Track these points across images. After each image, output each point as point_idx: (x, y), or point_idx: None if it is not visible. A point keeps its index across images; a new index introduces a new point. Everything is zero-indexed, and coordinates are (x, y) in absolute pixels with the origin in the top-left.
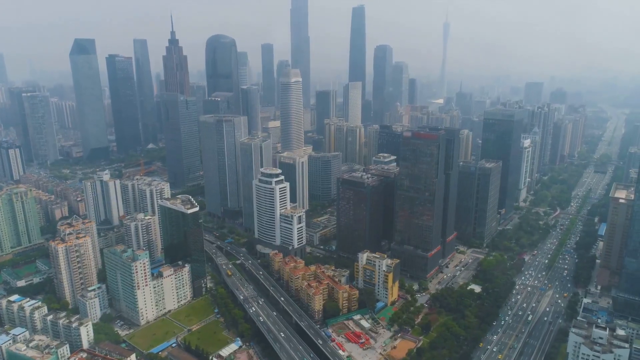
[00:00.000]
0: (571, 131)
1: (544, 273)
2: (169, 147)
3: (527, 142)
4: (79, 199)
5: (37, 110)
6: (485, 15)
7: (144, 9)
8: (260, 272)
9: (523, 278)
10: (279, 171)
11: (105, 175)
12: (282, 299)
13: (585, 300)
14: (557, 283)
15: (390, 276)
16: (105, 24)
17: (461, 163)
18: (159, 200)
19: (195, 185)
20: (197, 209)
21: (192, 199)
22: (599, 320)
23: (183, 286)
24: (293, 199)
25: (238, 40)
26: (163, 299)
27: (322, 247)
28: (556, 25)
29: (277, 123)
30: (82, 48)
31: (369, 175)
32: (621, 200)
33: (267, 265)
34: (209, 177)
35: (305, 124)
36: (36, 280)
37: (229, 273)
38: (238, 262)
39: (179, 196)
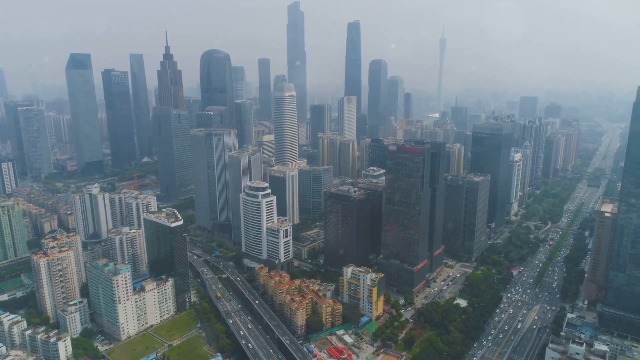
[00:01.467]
0: (564, 145)
1: (532, 287)
2: (161, 161)
3: (517, 156)
4: (68, 213)
5: (32, 124)
6: (482, 30)
7: (143, 24)
8: (245, 287)
9: (511, 292)
10: (266, 184)
11: (95, 189)
12: (266, 313)
13: (569, 315)
14: (545, 297)
15: (375, 290)
16: (103, 38)
17: (449, 177)
18: (144, 214)
19: (188, 198)
20: (181, 222)
21: (177, 213)
22: (582, 336)
23: (166, 300)
24: (283, 213)
25: (235, 54)
26: (145, 313)
27: (310, 261)
28: (554, 39)
29: (272, 137)
30: (78, 63)
31: (356, 189)
32: (607, 214)
33: (253, 279)
34: (199, 191)
35: (300, 138)
36: (19, 294)
37: (219, 295)
38: (224, 276)
39: (164, 209)
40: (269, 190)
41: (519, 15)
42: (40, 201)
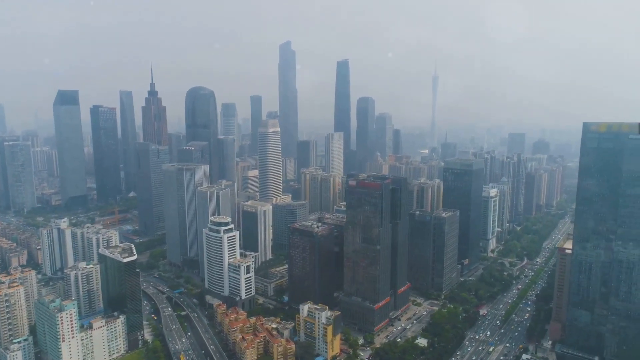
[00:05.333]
0: (547, 181)
1: (499, 326)
2: (140, 196)
3: (493, 192)
4: (38, 247)
5: (17, 158)
6: (476, 66)
7: (137, 59)
8: (202, 325)
9: (476, 332)
10: (229, 219)
11: (63, 223)
12: (217, 352)
13: (524, 357)
14: (510, 337)
15: (330, 329)
16: (93, 73)
17: (417, 212)
18: (100, 249)
19: (164, 233)
20: (134, 257)
21: (133, 248)
22: None
23: (116, 338)
24: (255, 248)
25: (229, 91)
26: (92, 352)
27: (275, 298)
28: (551, 74)
29: (257, 172)
30: (66, 98)
31: (320, 224)
32: (567, 251)
33: (213, 316)
34: (170, 226)
35: (288, 173)
36: None
37: (182, 358)
38: (183, 313)
39: (121, 244)
40: (232, 226)
41: (514, 51)
42: (14, 236)
